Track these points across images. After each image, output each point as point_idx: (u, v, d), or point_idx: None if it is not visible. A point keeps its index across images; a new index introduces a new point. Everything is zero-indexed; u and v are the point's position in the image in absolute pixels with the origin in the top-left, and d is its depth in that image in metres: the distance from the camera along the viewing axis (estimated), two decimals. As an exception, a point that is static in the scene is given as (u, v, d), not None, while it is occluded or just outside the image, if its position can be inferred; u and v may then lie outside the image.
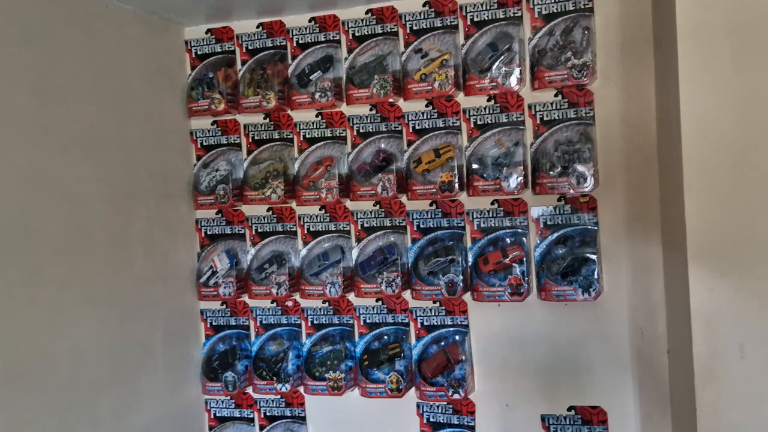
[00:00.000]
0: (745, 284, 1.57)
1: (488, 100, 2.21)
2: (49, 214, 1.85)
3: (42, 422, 1.78)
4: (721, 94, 1.59)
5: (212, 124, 2.51)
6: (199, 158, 2.51)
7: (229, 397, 2.50)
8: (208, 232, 2.52)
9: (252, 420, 2.50)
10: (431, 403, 2.30)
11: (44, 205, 1.84)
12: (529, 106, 2.17)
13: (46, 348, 1.81)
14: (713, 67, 1.60)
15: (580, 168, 2.06)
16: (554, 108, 2.14)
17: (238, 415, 2.51)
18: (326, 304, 2.42)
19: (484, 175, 2.18)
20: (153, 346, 2.25)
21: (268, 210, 2.46)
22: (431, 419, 2.32)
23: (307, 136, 2.41)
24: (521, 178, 2.12)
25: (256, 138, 2.47)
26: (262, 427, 2.48)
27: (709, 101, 1.60)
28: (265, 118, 2.46)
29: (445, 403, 2.29)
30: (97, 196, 2.04)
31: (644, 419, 2.10)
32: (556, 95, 2.14)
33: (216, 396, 2.49)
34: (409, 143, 2.29)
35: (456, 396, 2.18)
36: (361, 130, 2.35)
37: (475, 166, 2.21)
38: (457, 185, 2.17)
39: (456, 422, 2.28)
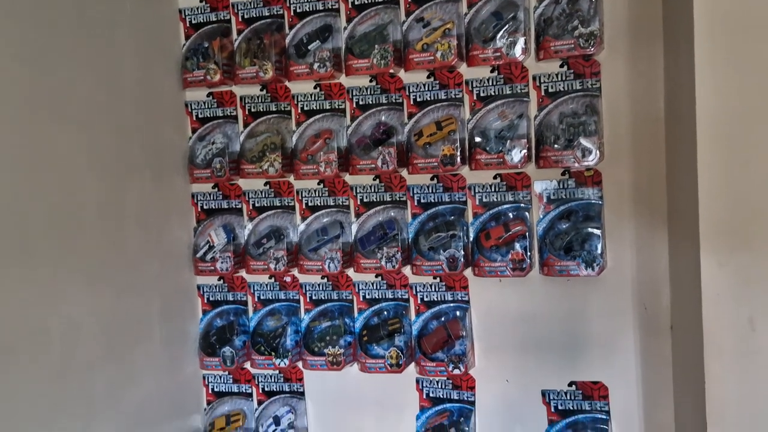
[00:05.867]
0: (757, 258, 1.54)
1: (492, 71, 2.15)
2: (38, 187, 1.80)
3: (36, 397, 1.75)
4: (738, 66, 1.53)
5: (208, 96, 2.44)
6: (194, 131, 2.45)
7: (227, 372, 2.48)
8: (205, 207, 2.47)
9: (250, 395, 2.49)
10: (431, 378, 2.28)
11: (34, 178, 1.78)
12: (534, 78, 2.11)
13: (39, 323, 1.78)
14: (730, 36, 1.55)
15: (584, 141, 2.02)
16: (560, 79, 2.09)
17: (236, 390, 2.49)
18: (325, 280, 2.39)
19: (487, 149, 2.14)
20: (149, 321, 2.22)
21: (265, 184, 2.41)
22: (431, 394, 2.30)
23: (305, 108, 2.35)
24: (525, 151, 2.07)
25: (252, 110, 2.41)
26: (260, 402, 2.47)
27: (725, 74, 1.54)
28: (261, 90, 2.39)
29: (445, 378, 2.27)
30: (89, 168, 1.98)
31: (646, 395, 2.09)
32: (561, 66, 2.08)
33: (214, 371, 2.47)
34: (410, 116, 2.24)
35: (456, 371, 2.16)
36: (360, 102, 2.29)
37: (477, 139, 2.16)
38: (459, 159, 2.13)
39: (456, 397, 2.27)
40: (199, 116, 2.45)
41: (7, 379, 1.67)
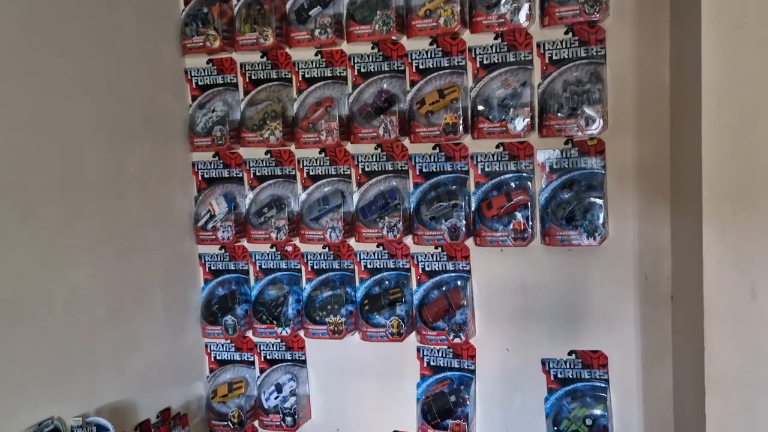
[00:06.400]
0: (760, 225, 1.54)
1: (495, 38, 2.12)
2: (39, 153, 1.80)
3: (40, 361, 1.77)
4: (745, 33, 1.51)
5: (207, 63, 2.41)
6: (194, 99, 2.43)
7: (229, 341, 2.50)
8: (205, 176, 2.46)
9: (252, 363, 2.51)
10: (432, 347, 2.30)
11: (34, 143, 1.78)
12: (538, 45, 2.08)
13: (42, 288, 1.79)
14: (737, 2, 1.52)
15: (588, 110, 2.00)
16: (564, 46, 2.06)
17: (239, 359, 2.51)
18: (326, 249, 2.39)
19: (490, 117, 2.11)
20: (151, 289, 2.23)
21: (266, 153, 2.40)
22: (431, 363, 2.32)
23: (306, 75, 2.32)
24: (528, 119, 2.05)
25: (253, 78, 2.38)
26: (262, 370, 2.49)
27: (731, 41, 1.52)
28: (262, 57, 2.36)
29: (446, 347, 2.29)
30: (89, 135, 1.97)
31: (645, 363, 2.10)
32: (566, 33, 2.05)
33: (216, 339, 2.49)
34: (412, 83, 2.21)
35: (457, 340, 2.17)
36: (362, 70, 2.26)
37: (480, 107, 2.13)
38: (461, 127, 2.11)
39: (456, 366, 2.29)
40: (199, 83, 2.43)
41: (11, 342, 1.69)
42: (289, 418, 2.36)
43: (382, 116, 2.18)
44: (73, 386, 1.88)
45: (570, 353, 2.17)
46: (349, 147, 2.31)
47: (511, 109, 2.08)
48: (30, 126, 1.77)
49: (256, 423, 2.46)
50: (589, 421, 2.12)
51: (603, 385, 2.14)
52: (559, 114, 2.05)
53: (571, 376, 2.17)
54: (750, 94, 1.54)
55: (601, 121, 1.99)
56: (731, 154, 1.55)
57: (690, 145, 1.68)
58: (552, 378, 2.19)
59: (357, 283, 2.36)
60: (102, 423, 1.87)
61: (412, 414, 2.31)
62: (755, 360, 1.56)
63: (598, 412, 2.13)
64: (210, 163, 2.45)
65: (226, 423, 2.38)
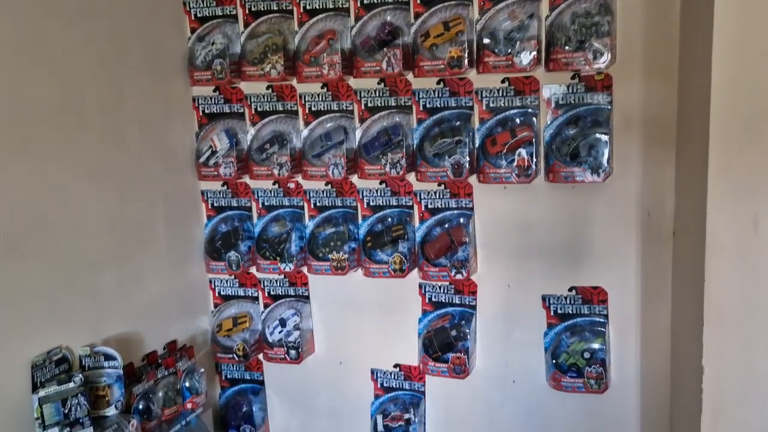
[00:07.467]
0: (764, 158, 1.52)
1: (503, -32, 2.05)
2: (36, 84, 1.77)
3: (45, 292, 1.80)
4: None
5: (206, -6, 2.35)
6: (193, 31, 2.38)
7: (233, 277, 2.52)
8: (206, 111, 2.43)
9: (256, 298, 2.54)
10: (434, 283, 2.32)
11: (32, 76, 1.75)
12: (547, -25, 2.02)
13: (45, 219, 1.79)
14: None
15: (597, 43, 1.95)
16: (574, -24, 2.00)
17: (243, 294, 2.54)
18: (329, 186, 2.38)
19: (496, 51, 2.07)
20: (154, 224, 2.24)
21: (267, 88, 2.36)
22: (433, 299, 2.35)
23: (308, 7, 2.26)
24: (534, 53, 2.01)
25: (253, 9, 2.32)
26: (266, 305, 2.52)
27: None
28: (262, -12, 2.30)
29: (448, 283, 2.31)
30: (87, 67, 1.94)
31: (644, 299, 2.13)
32: (576, -39, 1.99)
33: (220, 275, 2.51)
34: (417, 15, 2.15)
35: (458, 276, 2.19)
36: (365, 1, 2.20)
37: (486, 40, 2.09)
38: (466, 61, 2.06)
39: (458, 302, 2.32)
40: (198, 15, 2.37)
41: (17, 272, 1.71)
42: (293, 352, 2.40)
43: (385, 49, 2.13)
44: (79, 317, 1.91)
45: (570, 289, 2.20)
46: (352, 82, 2.27)
47: (518, 42, 2.04)
48: (28, 59, 1.74)
49: (260, 356, 2.51)
50: (587, 355, 2.16)
51: (602, 320, 2.18)
52: (566, 47, 2.00)
53: (570, 312, 2.20)
54: (762, 31, 1.50)
55: (610, 54, 1.94)
56: (741, 86, 1.53)
57: (699, 76, 1.65)
58: (552, 313, 2.22)
59: (360, 221, 2.36)
60: (110, 352, 1.91)
61: (414, 348, 2.36)
62: (755, 291, 1.58)
63: (596, 346, 2.17)
64: (211, 98, 2.42)
65: (231, 356, 2.43)
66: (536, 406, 2.29)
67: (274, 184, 2.42)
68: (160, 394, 2.10)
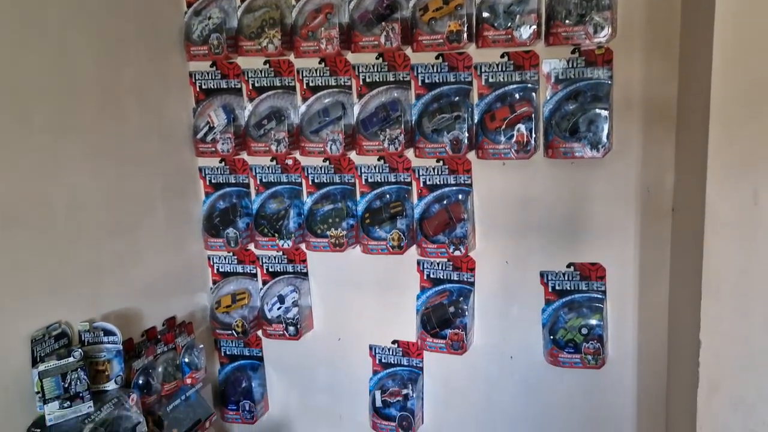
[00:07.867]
0: (765, 130, 1.51)
1: (503, -61, 2.02)
2: (32, 59, 1.75)
3: (43, 267, 1.80)
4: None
5: (202, -33, 2.32)
6: (189, 5, 2.35)
7: (231, 253, 2.52)
8: (203, 86, 2.41)
9: (255, 275, 2.54)
10: (432, 260, 2.32)
11: (27, 52, 1.73)
12: (548, -54, 1.99)
13: (42, 194, 1.79)
14: None
15: (597, 16, 1.93)
16: (575, -52, 1.97)
17: (241, 271, 2.54)
18: (327, 163, 2.37)
19: (495, 25, 2.05)
20: (152, 200, 2.23)
21: (264, 63, 2.34)
22: (431, 275, 2.35)
23: (305, -20, 2.23)
24: (534, 27, 1.98)
25: (249, -17, 2.29)
26: (264, 282, 2.53)
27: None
28: (258, -39, 2.27)
29: (446, 260, 2.31)
30: (83, 42, 1.92)
31: (642, 275, 2.13)
32: (578, -67, 1.95)
33: (218, 252, 2.51)
34: (416, -11, 2.13)
35: (457, 253, 2.19)
36: (363, -26, 2.17)
37: (485, 14, 2.06)
38: (465, 35, 2.04)
39: (456, 278, 2.32)
40: (194, -11, 2.34)
41: (15, 246, 1.70)
42: (291, 328, 2.41)
43: (383, 23, 2.11)
44: (78, 293, 1.91)
45: (569, 266, 2.20)
46: (350, 57, 2.25)
47: (517, 16, 2.01)
48: (24, 34, 1.72)
49: (259, 333, 2.52)
50: (584, 331, 2.17)
51: (600, 296, 2.18)
52: (567, 21, 1.98)
53: (569, 288, 2.20)
54: (764, 7, 1.48)
55: (610, 28, 1.92)
56: (743, 59, 1.51)
57: (701, 54, 1.63)
58: (550, 290, 2.22)
59: (358, 197, 2.35)
60: (109, 328, 1.91)
61: (412, 325, 2.37)
62: (753, 264, 1.58)
63: (594, 322, 2.18)
64: (208, 74, 2.40)
65: (230, 332, 2.44)
66: (534, 382, 2.31)
67: (272, 160, 2.41)
68: (160, 369, 2.11)
